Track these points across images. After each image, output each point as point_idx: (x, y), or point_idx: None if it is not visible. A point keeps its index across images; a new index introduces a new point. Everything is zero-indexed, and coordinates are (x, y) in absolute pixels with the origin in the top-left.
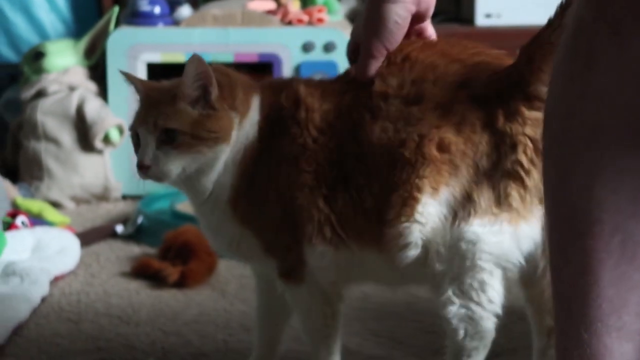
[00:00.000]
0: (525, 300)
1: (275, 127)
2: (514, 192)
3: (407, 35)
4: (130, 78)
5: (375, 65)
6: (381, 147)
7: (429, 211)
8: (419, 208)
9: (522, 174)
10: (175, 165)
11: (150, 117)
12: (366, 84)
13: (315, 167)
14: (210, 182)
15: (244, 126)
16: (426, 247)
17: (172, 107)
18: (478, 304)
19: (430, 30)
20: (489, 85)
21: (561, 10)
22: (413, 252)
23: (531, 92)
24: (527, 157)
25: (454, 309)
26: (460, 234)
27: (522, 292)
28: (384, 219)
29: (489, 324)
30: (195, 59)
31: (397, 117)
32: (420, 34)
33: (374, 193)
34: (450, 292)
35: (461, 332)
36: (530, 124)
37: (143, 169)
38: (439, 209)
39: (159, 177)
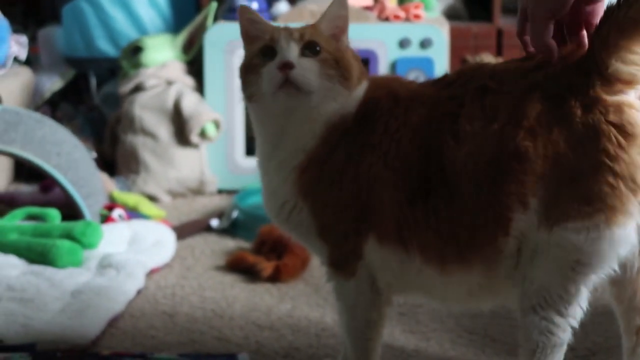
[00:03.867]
0: (614, 299)
1: (371, 116)
2: (604, 186)
3: (578, 15)
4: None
5: (547, 33)
6: (466, 172)
7: (523, 224)
8: (513, 225)
9: (609, 162)
10: (316, 76)
11: (294, 31)
12: (455, 95)
13: (403, 168)
14: (305, 133)
15: (349, 97)
16: (519, 252)
17: (316, 29)
18: (562, 316)
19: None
20: (561, 81)
21: None
22: (508, 261)
23: (611, 74)
24: (613, 144)
25: (536, 320)
26: (553, 239)
27: (610, 290)
28: (471, 242)
29: (566, 337)
30: (340, 1)
31: (480, 138)
32: (590, 18)
33: (454, 214)
34: (535, 301)
35: (539, 345)
36: (613, 110)
37: (287, 68)
38: (531, 217)
39: (301, 79)
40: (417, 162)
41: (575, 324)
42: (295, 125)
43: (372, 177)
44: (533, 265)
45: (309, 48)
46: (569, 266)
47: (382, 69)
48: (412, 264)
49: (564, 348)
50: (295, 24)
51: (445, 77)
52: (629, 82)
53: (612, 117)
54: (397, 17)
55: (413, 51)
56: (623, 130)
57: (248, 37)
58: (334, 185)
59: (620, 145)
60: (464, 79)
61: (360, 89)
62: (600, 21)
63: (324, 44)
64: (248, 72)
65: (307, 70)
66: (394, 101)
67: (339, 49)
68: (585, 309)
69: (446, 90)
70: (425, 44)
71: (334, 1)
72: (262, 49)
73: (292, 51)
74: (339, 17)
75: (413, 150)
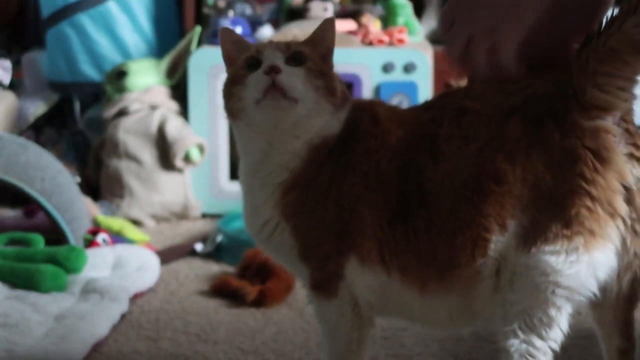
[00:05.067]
0: (595, 322)
1: (352, 137)
2: (582, 209)
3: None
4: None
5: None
6: (444, 192)
7: (500, 246)
8: (491, 246)
9: (586, 186)
10: (302, 83)
11: (280, 42)
12: (434, 117)
13: (382, 188)
14: (290, 150)
15: (334, 116)
16: (498, 274)
17: (302, 44)
18: (543, 340)
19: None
20: (541, 104)
21: (621, 15)
22: (487, 283)
23: (587, 100)
24: (590, 168)
25: (517, 343)
26: (532, 262)
27: (592, 314)
28: (450, 264)
29: None
30: (330, 22)
31: (457, 158)
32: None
33: (433, 236)
34: (516, 325)
35: None
36: (589, 135)
37: (273, 72)
38: (509, 239)
39: (288, 83)
40: (396, 182)
41: (557, 347)
42: (280, 140)
43: (353, 198)
44: (513, 288)
45: (295, 58)
46: (548, 289)
47: (366, 93)
48: (392, 285)
49: None
50: None
51: (426, 102)
52: (605, 109)
53: (588, 142)
54: (381, 41)
55: (397, 75)
56: (599, 155)
57: (230, 59)
58: (318, 207)
59: (596, 170)
60: (444, 101)
61: (344, 111)
62: (580, 47)
63: (310, 55)
64: (233, 84)
65: (293, 75)
66: (373, 122)
67: (325, 63)
68: (566, 332)
69: (426, 112)
70: (409, 68)
71: (323, 22)
72: (247, 60)
73: (278, 58)
74: (326, 39)
75: (392, 171)
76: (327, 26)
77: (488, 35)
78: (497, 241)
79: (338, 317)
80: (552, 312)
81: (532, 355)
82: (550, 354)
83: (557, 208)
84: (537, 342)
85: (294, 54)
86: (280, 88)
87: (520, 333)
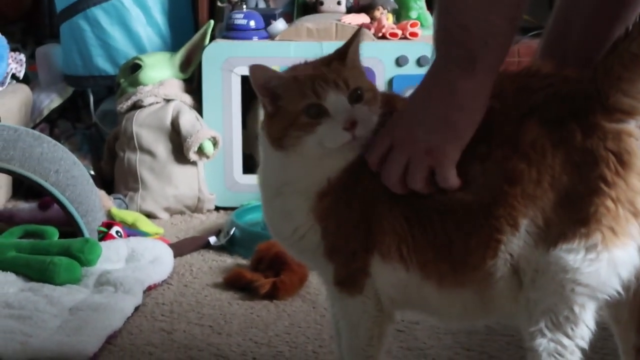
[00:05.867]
0: (611, 319)
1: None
2: (601, 207)
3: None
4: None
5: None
6: (456, 192)
7: (513, 247)
8: (502, 247)
9: (607, 188)
10: (372, 123)
11: (335, 79)
12: None
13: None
14: (335, 163)
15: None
16: (519, 276)
17: (347, 67)
18: (570, 338)
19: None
20: (561, 104)
21: None
22: (501, 284)
23: (611, 104)
24: (611, 171)
25: (544, 342)
26: (551, 260)
27: (607, 311)
28: (464, 263)
29: (575, 359)
30: (362, 33)
31: (468, 157)
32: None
33: (448, 235)
34: (542, 324)
35: None
36: (612, 138)
37: (354, 127)
38: (523, 239)
39: (365, 133)
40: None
41: (584, 344)
42: (327, 160)
43: (372, 195)
44: (535, 287)
45: (356, 96)
46: (568, 287)
47: (379, 86)
48: (413, 280)
49: None
50: (293, 43)
51: None
52: (629, 113)
53: (610, 145)
54: (393, 35)
55: (410, 69)
56: (621, 158)
57: (267, 93)
58: (347, 207)
59: (617, 173)
60: None
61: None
62: (607, 52)
63: (361, 82)
64: (292, 128)
65: (364, 120)
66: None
67: (367, 78)
68: (592, 329)
69: None
70: (422, 61)
71: (356, 33)
72: (308, 108)
73: (344, 103)
74: (358, 51)
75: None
76: (360, 38)
77: (427, 155)
78: (509, 241)
79: (361, 313)
80: (577, 309)
81: (560, 354)
82: (578, 353)
83: (574, 207)
84: (565, 340)
85: (354, 91)
86: (358, 137)
87: (547, 332)
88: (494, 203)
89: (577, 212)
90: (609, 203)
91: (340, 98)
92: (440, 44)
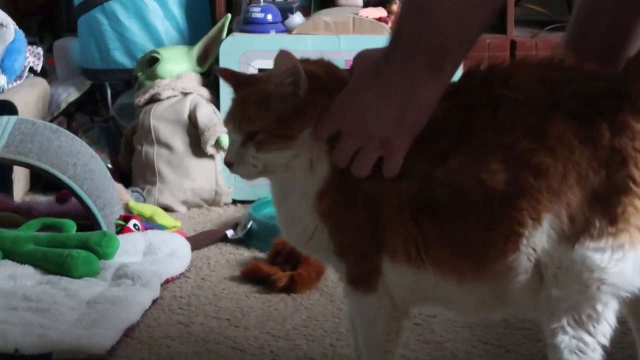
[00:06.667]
0: (630, 315)
1: None
2: (629, 207)
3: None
4: (222, 73)
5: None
6: (475, 182)
7: (535, 241)
8: (524, 241)
9: (635, 187)
10: (255, 163)
11: (236, 117)
12: (464, 103)
13: (406, 184)
14: (301, 173)
15: None
16: (540, 271)
17: (257, 107)
18: (592, 336)
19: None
20: (588, 101)
21: None
22: (522, 278)
23: None
24: (639, 170)
25: (566, 340)
26: (576, 258)
27: (626, 306)
28: (484, 257)
29: (597, 356)
30: (283, 54)
31: (491, 148)
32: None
33: (465, 229)
34: (564, 321)
35: None
36: None
37: (231, 167)
38: (546, 234)
39: (243, 175)
40: (420, 174)
41: (605, 341)
42: (316, 162)
43: (379, 194)
44: (558, 285)
45: (249, 135)
46: (595, 287)
47: None
48: (426, 279)
49: None
50: (310, 36)
51: (451, 85)
52: None
53: (639, 145)
54: None
55: None
56: None
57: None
58: (349, 207)
59: None
60: (469, 85)
61: None
62: (639, 51)
63: (263, 123)
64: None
65: (245, 161)
66: None
67: (283, 116)
68: (614, 326)
69: (452, 98)
70: None
71: (277, 57)
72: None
73: (234, 144)
74: (288, 71)
75: (412, 163)
76: (283, 58)
77: (380, 147)
78: (531, 236)
79: (376, 311)
80: (599, 307)
81: (582, 351)
82: (599, 349)
83: (601, 205)
84: (587, 337)
85: (247, 134)
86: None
87: (569, 329)
88: (517, 195)
89: (604, 210)
90: (638, 202)
91: (233, 138)
92: (404, 43)
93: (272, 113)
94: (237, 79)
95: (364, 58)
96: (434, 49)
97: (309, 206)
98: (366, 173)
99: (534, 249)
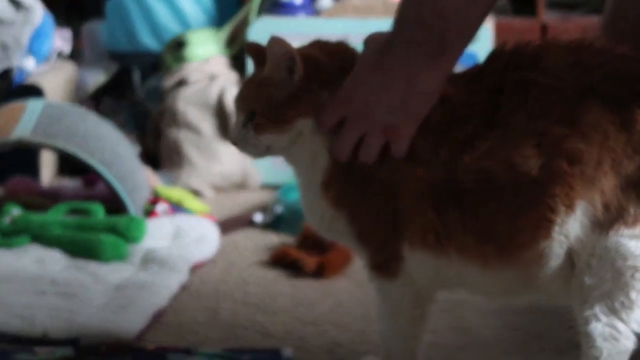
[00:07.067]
0: None
1: None
2: None
3: None
4: (250, 48)
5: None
6: (505, 167)
7: (568, 228)
8: (556, 228)
9: None
10: (255, 144)
11: (241, 96)
12: (492, 87)
13: (429, 170)
14: (305, 164)
15: None
16: (572, 258)
17: (255, 90)
18: (625, 323)
19: None
20: (623, 84)
21: None
22: (554, 264)
23: None
24: None
25: (599, 327)
26: (611, 245)
27: None
28: (511, 243)
29: (631, 344)
30: (275, 41)
31: (522, 133)
32: None
33: (492, 216)
34: (597, 309)
35: (604, 352)
36: None
37: (233, 144)
38: (579, 221)
39: (248, 154)
40: (444, 164)
41: (639, 329)
42: (317, 151)
43: (398, 181)
44: (591, 272)
45: (248, 117)
46: (629, 274)
47: None
48: (450, 266)
49: (629, 353)
50: (339, 20)
51: (474, 68)
52: None
53: None
54: None
55: None
56: None
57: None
58: (364, 195)
59: None
60: (495, 67)
61: None
62: None
63: (259, 106)
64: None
65: (246, 144)
66: None
67: (278, 102)
68: None
69: (478, 81)
70: None
71: (269, 44)
72: None
73: (238, 123)
74: (282, 57)
75: (433, 147)
76: (275, 49)
77: (385, 133)
78: (564, 222)
79: (400, 296)
80: (633, 295)
81: (615, 339)
82: (632, 337)
83: (635, 192)
84: (620, 325)
85: (248, 114)
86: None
87: (602, 317)
88: (550, 181)
89: (638, 197)
90: None
91: (239, 118)
92: (405, 29)
93: (267, 97)
94: (261, 56)
95: (371, 41)
96: (435, 38)
97: (318, 195)
98: (373, 158)
99: (566, 236)
